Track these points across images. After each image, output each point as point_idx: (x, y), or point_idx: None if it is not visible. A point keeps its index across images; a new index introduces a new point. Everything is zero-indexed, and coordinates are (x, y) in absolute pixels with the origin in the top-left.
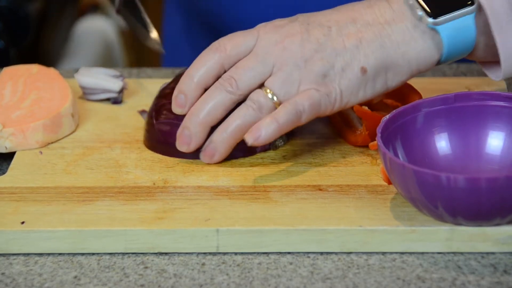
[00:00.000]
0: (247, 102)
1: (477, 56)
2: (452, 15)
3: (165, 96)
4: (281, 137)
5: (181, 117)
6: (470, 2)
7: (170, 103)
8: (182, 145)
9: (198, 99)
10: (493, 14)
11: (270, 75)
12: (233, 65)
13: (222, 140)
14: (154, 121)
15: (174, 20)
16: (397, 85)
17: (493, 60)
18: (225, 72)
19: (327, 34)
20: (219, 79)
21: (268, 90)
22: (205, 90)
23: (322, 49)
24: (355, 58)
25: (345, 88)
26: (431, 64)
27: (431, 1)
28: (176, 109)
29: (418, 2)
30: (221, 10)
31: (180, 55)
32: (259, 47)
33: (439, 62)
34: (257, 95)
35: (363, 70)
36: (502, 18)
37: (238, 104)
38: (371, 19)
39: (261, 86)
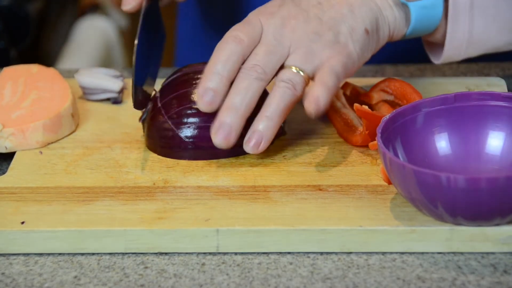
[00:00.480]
0: (279, 84)
1: (435, 38)
2: None
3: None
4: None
5: (206, 118)
6: None
7: (187, 107)
8: (222, 141)
9: (226, 94)
10: (454, 0)
11: (288, 56)
12: (249, 54)
13: (269, 126)
14: (175, 129)
15: (187, 20)
16: (380, 47)
17: (441, 43)
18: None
19: (321, 8)
20: (243, 70)
21: (294, 68)
22: (231, 83)
23: (325, 22)
24: (356, 21)
25: (359, 48)
26: (400, 34)
27: None
28: (206, 107)
29: None
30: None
31: (192, 55)
32: (269, 33)
33: (404, 36)
34: (287, 74)
35: (366, 31)
36: (460, 7)
37: None
38: None
39: (282, 67)
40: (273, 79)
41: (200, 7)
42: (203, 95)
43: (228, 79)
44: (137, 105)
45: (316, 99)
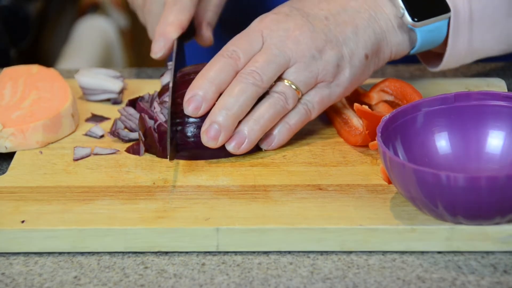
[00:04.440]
0: (273, 94)
1: (434, 49)
2: (432, 19)
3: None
4: None
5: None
6: (446, 8)
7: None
8: (211, 140)
9: (214, 102)
10: (455, 13)
11: (287, 68)
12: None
13: (255, 130)
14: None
15: None
16: (378, 69)
17: (440, 52)
18: None
19: (327, 24)
20: (240, 74)
21: (290, 82)
22: (220, 94)
23: (329, 39)
24: (357, 46)
25: (353, 74)
26: (402, 55)
27: (412, 1)
28: (192, 111)
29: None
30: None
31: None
32: (272, 43)
33: (407, 54)
34: (281, 87)
35: (366, 56)
36: (460, 21)
37: None
38: (357, 5)
39: (279, 78)
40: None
41: None
42: (191, 99)
43: (218, 87)
44: (172, 157)
45: (271, 137)
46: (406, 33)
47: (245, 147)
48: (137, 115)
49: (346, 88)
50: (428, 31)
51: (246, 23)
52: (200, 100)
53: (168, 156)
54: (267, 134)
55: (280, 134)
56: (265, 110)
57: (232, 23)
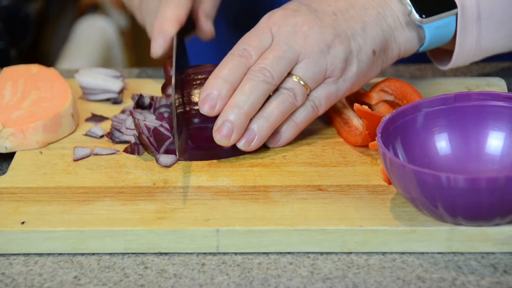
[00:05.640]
0: (283, 91)
1: (443, 47)
2: (439, 15)
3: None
4: None
5: (206, 118)
6: (453, 4)
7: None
8: (224, 138)
9: (228, 100)
10: (462, 11)
11: (296, 63)
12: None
13: (265, 127)
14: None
15: None
16: (387, 67)
17: (448, 49)
18: None
19: (335, 20)
20: (250, 71)
21: (298, 78)
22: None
23: (338, 33)
24: (365, 41)
25: (361, 70)
26: (411, 52)
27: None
28: (207, 111)
29: None
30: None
31: (197, 53)
32: (280, 39)
33: (416, 51)
34: (290, 83)
35: (374, 53)
36: (468, 20)
37: None
38: (364, 3)
39: (289, 74)
40: None
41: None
42: (206, 98)
43: (232, 85)
44: (181, 153)
45: (277, 135)
46: (414, 30)
47: (255, 144)
48: (128, 120)
49: (353, 84)
50: (436, 27)
51: (254, 20)
52: (215, 98)
53: (177, 153)
54: (273, 132)
55: (287, 131)
56: (274, 107)
57: (239, 21)
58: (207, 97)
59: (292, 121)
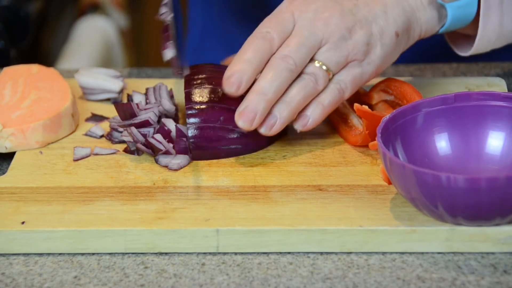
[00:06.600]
0: (304, 76)
1: (464, 31)
2: None
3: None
4: None
5: (206, 118)
6: None
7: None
8: (246, 123)
9: (252, 82)
10: None
11: (318, 49)
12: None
13: (286, 112)
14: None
15: (197, 8)
16: (408, 47)
17: (471, 34)
18: None
19: (356, 4)
20: (273, 59)
21: (320, 63)
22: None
23: (358, 19)
24: (387, 24)
25: (384, 53)
26: (432, 33)
27: None
28: (232, 88)
29: None
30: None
31: (203, 47)
32: (302, 26)
33: (436, 33)
34: (311, 68)
35: (397, 34)
36: (491, 4)
37: None
38: None
39: (311, 60)
40: None
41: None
42: (230, 78)
43: (256, 67)
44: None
45: (305, 118)
46: (436, 10)
47: (276, 128)
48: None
49: (378, 67)
50: (458, 7)
51: (261, 18)
52: (239, 79)
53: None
54: (300, 115)
55: (314, 114)
56: (296, 92)
57: (247, 18)
58: (231, 77)
59: (319, 103)
